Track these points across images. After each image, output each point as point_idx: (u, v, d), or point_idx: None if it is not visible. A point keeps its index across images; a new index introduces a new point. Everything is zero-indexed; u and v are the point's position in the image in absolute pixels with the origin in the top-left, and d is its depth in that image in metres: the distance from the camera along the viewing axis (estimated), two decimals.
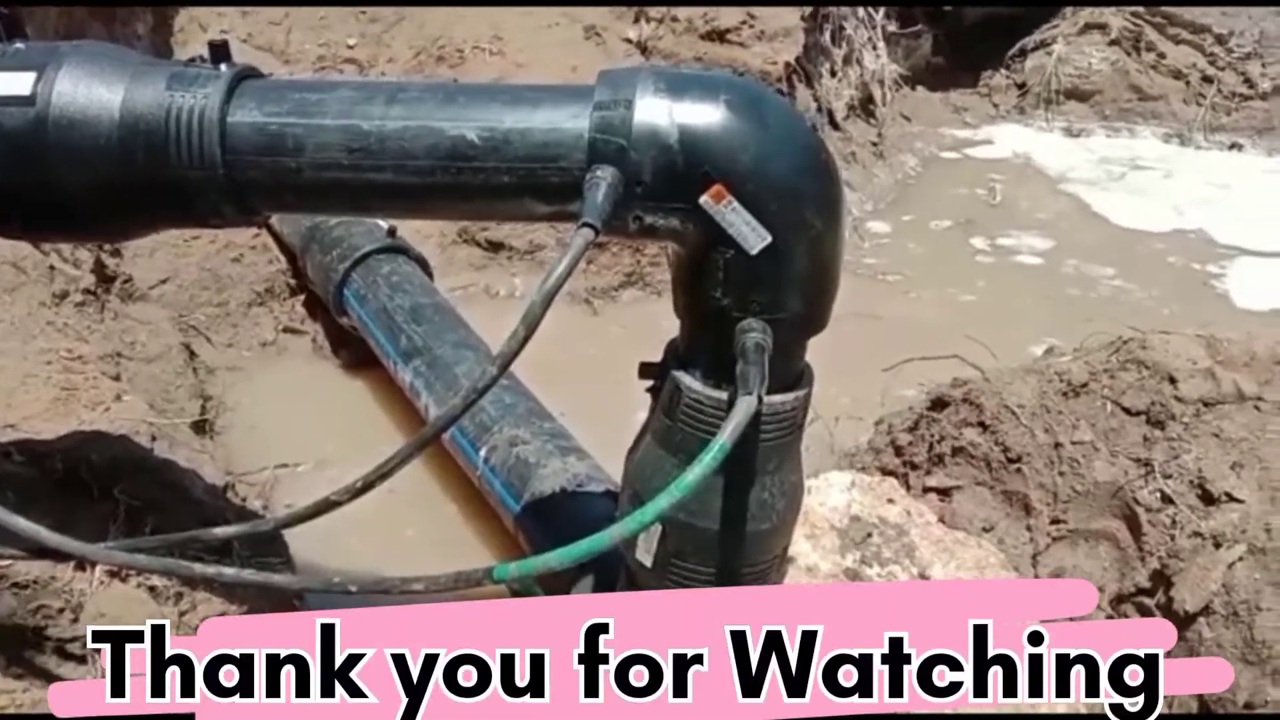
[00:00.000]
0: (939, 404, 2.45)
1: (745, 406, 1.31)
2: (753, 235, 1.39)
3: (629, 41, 4.23)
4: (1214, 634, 1.80)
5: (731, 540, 1.58)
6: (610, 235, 1.44)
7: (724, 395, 1.50)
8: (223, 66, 1.46)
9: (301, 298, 3.39)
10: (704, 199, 1.37)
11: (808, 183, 1.42)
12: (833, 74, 4.67)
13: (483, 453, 2.30)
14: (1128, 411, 2.14)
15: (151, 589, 1.90)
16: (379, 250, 2.98)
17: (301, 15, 4.81)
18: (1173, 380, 2.10)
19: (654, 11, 4.20)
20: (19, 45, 1.50)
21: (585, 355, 3.30)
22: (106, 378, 2.41)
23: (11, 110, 1.41)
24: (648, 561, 1.63)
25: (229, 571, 1.53)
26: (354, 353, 3.15)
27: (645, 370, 1.64)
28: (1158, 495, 2.01)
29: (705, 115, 1.37)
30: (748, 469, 1.56)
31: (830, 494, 2.13)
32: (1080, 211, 4.62)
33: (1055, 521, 2.15)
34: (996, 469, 2.29)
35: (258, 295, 3.35)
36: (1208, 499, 1.94)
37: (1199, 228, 4.52)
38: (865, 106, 4.95)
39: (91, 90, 1.43)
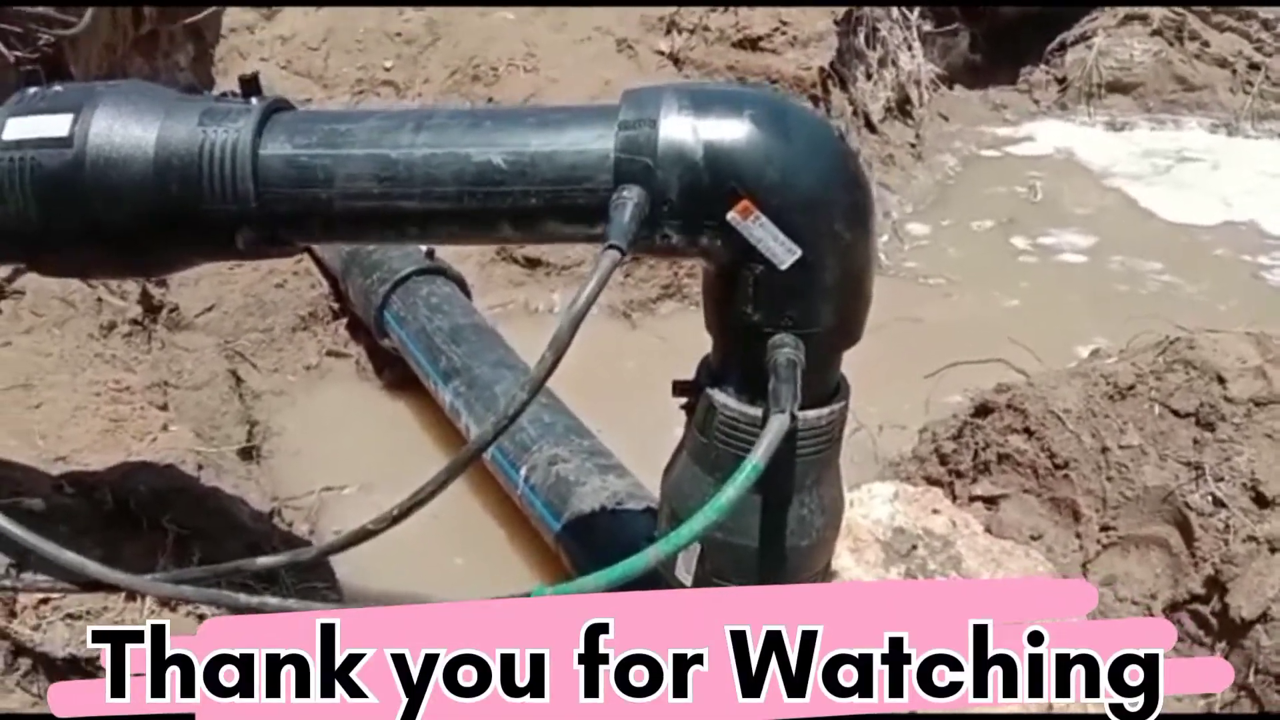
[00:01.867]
0: (983, 410, 2.41)
1: (778, 425, 1.30)
2: (781, 249, 1.38)
3: (661, 54, 4.23)
4: (1273, 641, 1.75)
5: (771, 558, 1.57)
6: (639, 253, 1.44)
7: (758, 411, 1.49)
8: (253, 100, 1.49)
9: (344, 321, 3.43)
10: (731, 215, 1.37)
11: (836, 193, 1.41)
12: (868, 76, 4.64)
13: (523, 472, 2.30)
14: (1176, 413, 2.09)
15: (201, 618, 1.93)
16: (418, 272, 3.01)
17: (339, 39, 4.87)
18: (1221, 380, 2.05)
19: (686, 22, 4.20)
20: (57, 88, 1.54)
21: (624, 369, 3.30)
22: (154, 407, 2.45)
23: (50, 152, 1.44)
24: (688, 581, 1.62)
25: (273, 601, 1.54)
26: (396, 374, 3.17)
27: (679, 388, 1.63)
28: (1209, 499, 1.97)
29: (730, 131, 1.37)
30: (785, 485, 1.55)
31: (873, 506, 2.10)
32: (1125, 206, 4.54)
33: (1105, 528, 2.10)
34: (1043, 476, 2.26)
35: (301, 320, 3.39)
36: (1261, 502, 1.89)
37: (1249, 219, 4.41)
38: (902, 108, 4.90)
39: (127, 129, 1.46)
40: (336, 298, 3.42)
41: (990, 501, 2.34)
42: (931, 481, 2.50)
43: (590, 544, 2.10)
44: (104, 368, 2.52)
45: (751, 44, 3.98)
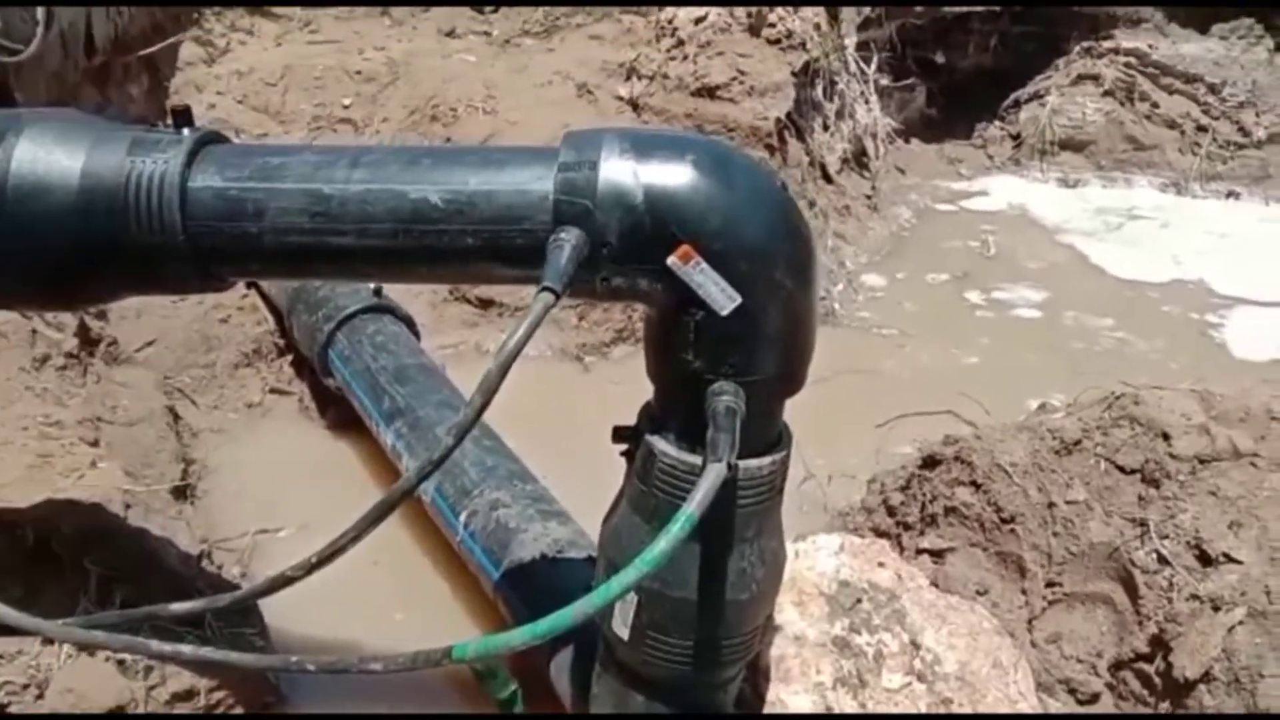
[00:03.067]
0: (931, 462, 2.40)
1: (714, 474, 1.27)
2: (722, 296, 1.36)
3: (621, 99, 4.24)
4: (1215, 701, 1.73)
5: (710, 611, 1.53)
6: (577, 297, 1.41)
7: (699, 460, 1.45)
8: (185, 131, 1.45)
9: (289, 358, 3.37)
10: (671, 260, 1.34)
11: (778, 243, 1.39)
12: (825, 128, 4.68)
13: (463, 518, 2.25)
14: (1122, 469, 2.09)
15: (120, 662, 1.84)
16: (364, 310, 2.96)
17: (298, 76, 4.84)
18: (1166, 437, 2.05)
19: (645, 69, 4.22)
20: None
21: (575, 412, 3.26)
22: (84, 443, 2.37)
23: None
24: (624, 634, 1.58)
25: (187, 650, 1.48)
26: (340, 413, 3.11)
27: (619, 434, 1.60)
28: (1154, 556, 1.95)
29: (671, 175, 1.35)
30: (724, 536, 1.51)
31: (818, 558, 2.07)
32: (1077, 262, 4.59)
33: (1050, 584, 2.08)
34: (990, 530, 2.24)
35: (245, 356, 3.32)
36: (1205, 560, 1.88)
37: (1198, 277, 4.48)
38: (859, 159, 4.95)
39: (51, 157, 1.42)
40: (281, 334, 3.36)
41: (937, 555, 2.31)
42: (879, 533, 2.48)
43: (528, 595, 2.04)
44: (34, 402, 2.44)
45: (709, 92, 4.01)
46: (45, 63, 3.15)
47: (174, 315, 3.26)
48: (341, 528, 1.30)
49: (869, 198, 4.80)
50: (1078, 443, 2.17)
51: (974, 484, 2.28)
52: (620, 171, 1.35)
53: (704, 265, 1.34)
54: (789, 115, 4.14)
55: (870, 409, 3.16)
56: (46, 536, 2.02)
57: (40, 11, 3.01)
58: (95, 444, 2.42)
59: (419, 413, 2.54)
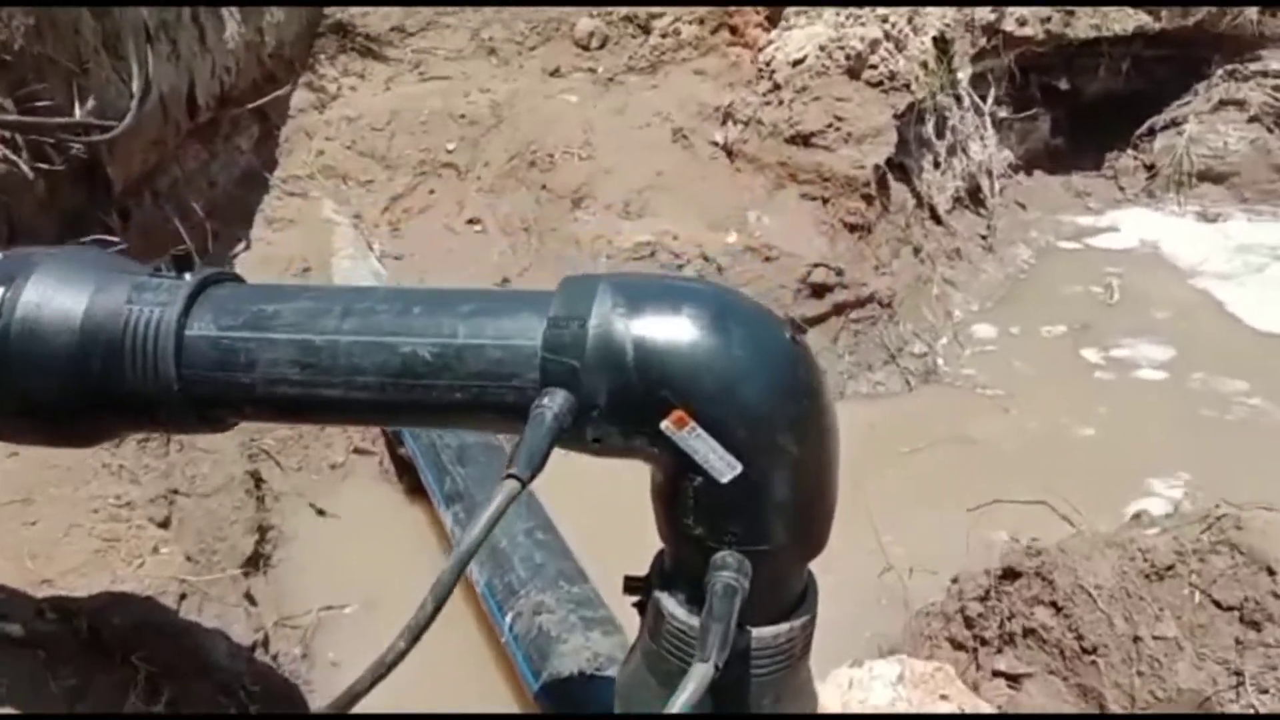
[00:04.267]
0: (1011, 574, 2.21)
1: (698, 675, 1.16)
2: (721, 464, 1.25)
3: (715, 144, 4.13)
4: None
5: None
6: (570, 449, 1.32)
7: None
8: (187, 275, 1.43)
9: None
10: (665, 424, 1.24)
11: (781, 404, 1.27)
12: (936, 165, 4.45)
13: (508, 619, 2.19)
14: (1218, 605, 1.86)
15: None
16: None
17: (404, 121, 4.92)
18: (1271, 572, 1.82)
19: (740, 115, 4.10)
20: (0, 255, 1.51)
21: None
22: (153, 524, 2.42)
23: None
24: None
25: None
26: (415, 478, 3.10)
27: (630, 585, 1.50)
28: (1250, 711, 1.73)
29: (664, 332, 1.25)
30: (739, 706, 1.40)
31: (874, 689, 1.93)
32: (1211, 311, 4.23)
33: None
34: (1070, 658, 2.04)
35: None
36: None
37: None
38: (973, 197, 4.70)
39: (55, 300, 1.41)
40: None
41: (1013, 679, 2.13)
42: (956, 645, 2.31)
43: (564, 710, 1.97)
44: (108, 480, 2.50)
45: (804, 140, 3.86)
46: (143, 131, 3.24)
47: None
48: (409, 602, 1.22)
49: (984, 237, 4.55)
50: (1170, 568, 1.96)
51: (1054, 605, 2.09)
52: (610, 329, 1.25)
53: (700, 431, 1.24)
54: (891, 158, 3.95)
55: (964, 486, 2.97)
56: (100, 628, 2.06)
57: (136, 83, 3.08)
58: (165, 524, 2.47)
59: (477, 499, 2.50)
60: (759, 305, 1.35)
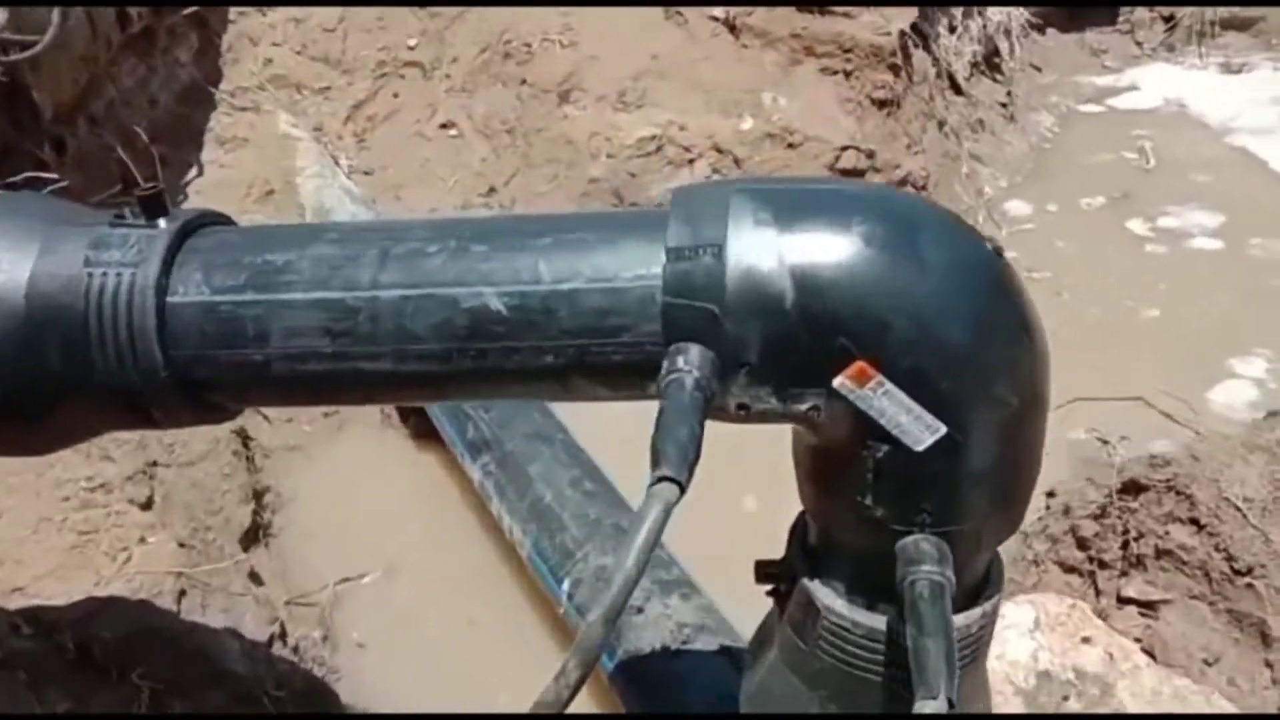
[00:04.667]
0: (1133, 488, 1.94)
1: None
2: (916, 426, 0.94)
3: (715, 20, 3.71)
4: None
5: None
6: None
7: (880, 622, 1.06)
8: (161, 223, 1.06)
9: None
10: (841, 381, 0.92)
11: (996, 344, 0.95)
12: (951, 30, 4.06)
13: (566, 586, 1.90)
14: None
15: None
16: None
17: (358, 18, 4.41)
18: None
19: None
20: None
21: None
22: (135, 507, 2.09)
23: None
24: None
25: None
26: (425, 420, 2.77)
27: (764, 571, 1.20)
28: None
29: (835, 256, 0.92)
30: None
31: (1010, 641, 1.66)
32: (1256, 171, 3.93)
33: None
34: (1219, 582, 1.79)
35: None
36: None
37: None
38: (990, 61, 4.33)
39: None
40: None
41: (1148, 607, 1.88)
42: (1066, 569, 2.06)
43: (651, 694, 1.69)
44: (77, 461, 2.15)
45: (819, 6, 3.44)
46: (70, 46, 2.79)
47: None
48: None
49: (1004, 106, 4.21)
50: None
51: (1194, 522, 1.83)
52: (758, 256, 0.92)
53: (889, 387, 0.92)
54: (912, 24, 3.56)
55: None
56: (88, 644, 1.75)
57: None
58: (148, 505, 2.14)
59: (507, 446, 2.18)
60: (946, 211, 1.01)
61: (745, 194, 0.96)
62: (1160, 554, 1.87)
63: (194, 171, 3.65)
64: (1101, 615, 1.91)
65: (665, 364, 0.92)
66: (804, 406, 0.95)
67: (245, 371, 1.04)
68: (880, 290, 0.91)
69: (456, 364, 1.00)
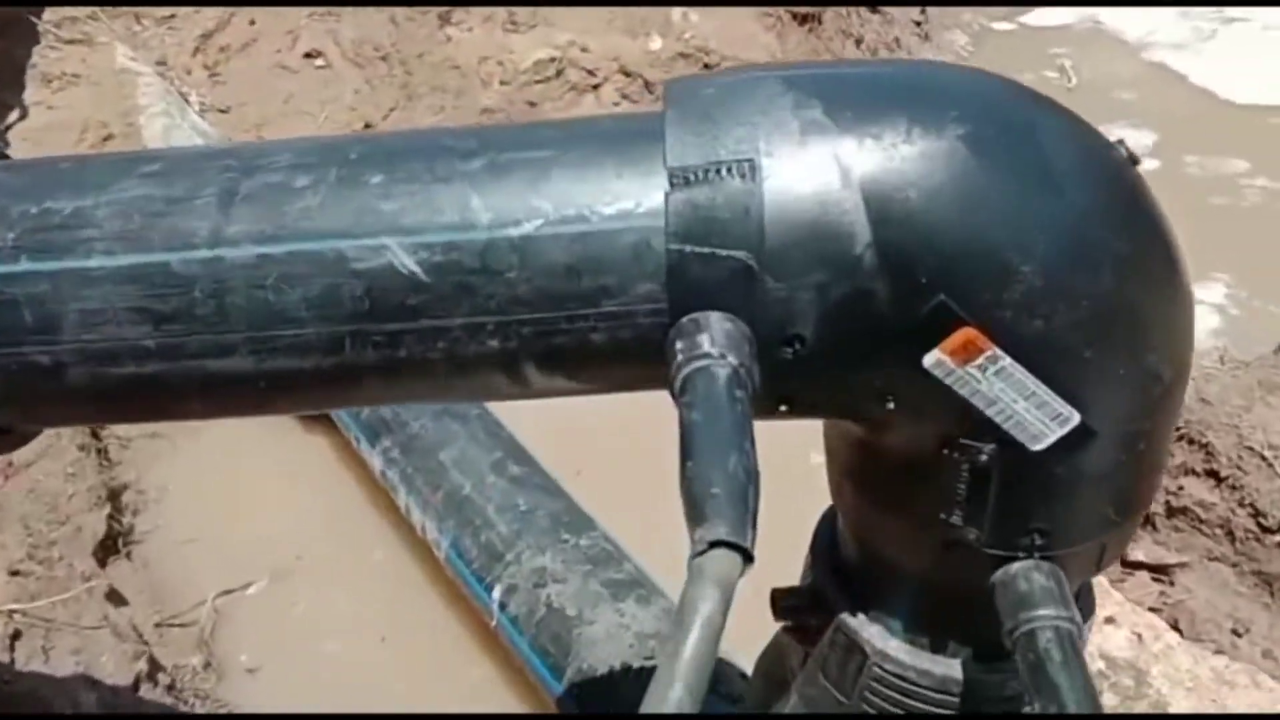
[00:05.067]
0: None
1: None
2: (1040, 417, 0.65)
3: None
4: None
5: None
6: None
7: (952, 669, 0.78)
8: None
9: None
10: (937, 357, 0.62)
11: (1152, 296, 0.66)
12: None
13: (497, 594, 1.58)
14: None
15: None
16: None
17: None
18: None
19: None
20: None
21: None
22: None
23: None
24: None
25: None
26: None
27: (782, 605, 0.90)
28: None
29: (927, 170, 0.61)
30: None
31: None
32: (1176, 86, 3.78)
33: None
34: (1243, 541, 1.58)
35: None
36: None
37: None
38: None
39: None
40: None
41: (1160, 571, 1.67)
42: None
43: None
44: None
45: None
46: None
47: None
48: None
49: (919, 25, 3.96)
50: None
51: (1213, 474, 1.61)
52: (811, 174, 0.61)
53: (1005, 363, 0.62)
54: None
55: None
56: None
57: None
58: None
59: (412, 427, 1.84)
60: (1059, 105, 0.72)
61: (779, 81, 0.64)
62: (1173, 512, 1.65)
63: (15, 114, 3.13)
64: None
65: (678, 345, 0.60)
66: (870, 400, 0.65)
67: (27, 380, 0.68)
68: (998, 221, 0.61)
69: (352, 357, 0.66)
